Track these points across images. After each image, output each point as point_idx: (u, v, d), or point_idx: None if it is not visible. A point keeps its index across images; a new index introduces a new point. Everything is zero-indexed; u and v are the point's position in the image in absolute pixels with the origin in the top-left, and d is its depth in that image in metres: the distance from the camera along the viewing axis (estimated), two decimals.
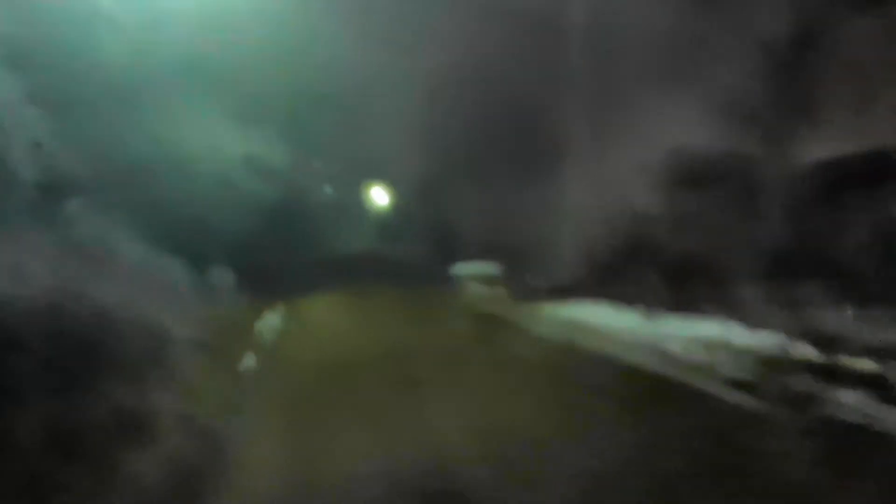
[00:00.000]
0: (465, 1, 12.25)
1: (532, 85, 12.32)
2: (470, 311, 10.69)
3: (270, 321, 9.17)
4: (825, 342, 6.00)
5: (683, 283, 9.34)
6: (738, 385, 5.28)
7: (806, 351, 5.97)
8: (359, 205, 19.58)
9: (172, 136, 11.50)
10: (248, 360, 6.59)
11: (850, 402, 4.66)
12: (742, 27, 9.29)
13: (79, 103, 9.01)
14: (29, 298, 5.27)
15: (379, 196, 20.50)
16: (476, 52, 13.06)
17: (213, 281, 10.63)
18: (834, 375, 5.19)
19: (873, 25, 8.35)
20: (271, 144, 13.80)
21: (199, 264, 10.29)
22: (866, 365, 5.37)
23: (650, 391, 5.39)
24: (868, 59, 8.38)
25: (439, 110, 14.60)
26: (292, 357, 6.97)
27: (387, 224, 20.55)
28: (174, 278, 8.62)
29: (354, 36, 13.77)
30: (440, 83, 14.18)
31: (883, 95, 8.35)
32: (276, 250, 13.76)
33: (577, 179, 11.71)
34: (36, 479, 3.49)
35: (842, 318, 6.70)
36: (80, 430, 4.23)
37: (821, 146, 8.92)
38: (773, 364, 5.75)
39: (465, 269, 17.57)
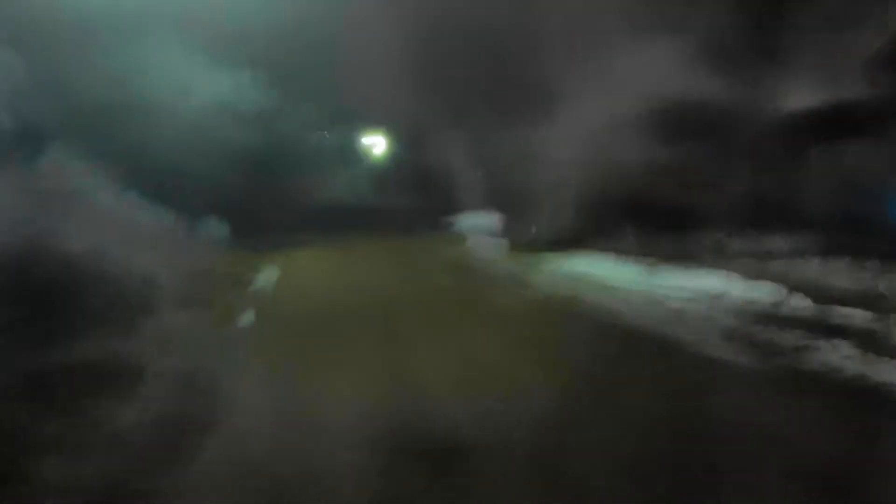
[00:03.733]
0: None
1: (523, 33, 12.40)
2: (470, 264, 10.89)
3: (267, 275, 9.37)
4: (819, 294, 6.20)
5: (682, 235, 9.65)
6: (738, 340, 5.44)
7: (802, 303, 6.18)
8: (351, 153, 19.52)
9: (148, 78, 11.41)
10: (247, 317, 6.79)
11: (842, 355, 4.83)
12: None
13: (46, 45, 8.94)
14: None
15: (372, 144, 20.43)
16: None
17: (207, 232, 10.78)
18: (827, 328, 5.38)
19: None
20: (257, 89, 13.69)
21: (186, 215, 10.39)
22: (859, 317, 5.57)
23: (655, 351, 5.43)
24: (842, 12, 8.57)
25: (434, 57, 14.53)
26: (291, 314, 7.10)
27: (381, 172, 20.52)
28: (164, 229, 8.75)
29: None
30: (435, 28, 14.09)
31: (856, 48, 8.58)
32: (265, 200, 13.82)
33: (573, 128, 11.90)
34: (18, 431, 3.65)
35: (834, 270, 6.95)
36: (62, 381, 4.41)
37: (795, 96, 9.19)
38: (771, 318, 5.96)
39: (463, 220, 17.67)
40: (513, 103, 13.91)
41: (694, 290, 7.30)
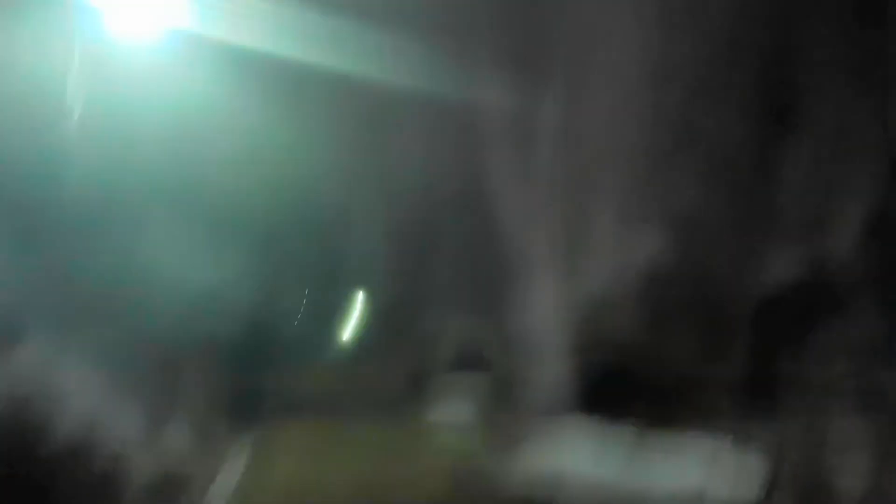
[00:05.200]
0: (434, 118, 13.12)
1: (505, 203, 13.06)
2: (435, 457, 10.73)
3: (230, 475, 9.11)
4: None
5: (665, 420, 9.63)
6: None
7: None
8: (330, 337, 19.66)
9: (137, 265, 11.90)
10: None
11: None
12: (704, 145, 10.21)
13: (34, 231, 9.47)
14: None
15: (351, 324, 20.71)
16: (452, 166, 13.83)
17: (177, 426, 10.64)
18: None
19: (826, 150, 9.30)
20: (240, 273, 14.18)
21: (160, 418, 10.34)
22: None
23: None
24: (824, 182, 9.26)
25: (420, 229, 15.23)
26: None
27: (360, 347, 20.55)
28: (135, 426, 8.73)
29: (342, 147, 14.38)
30: (424, 203, 14.86)
31: (839, 217, 9.16)
32: (243, 388, 13.76)
33: (546, 302, 12.16)
34: None
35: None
36: None
37: (784, 268, 9.61)
38: None
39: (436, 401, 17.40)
40: (494, 277, 14.29)
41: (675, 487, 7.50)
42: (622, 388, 10.05)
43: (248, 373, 13.60)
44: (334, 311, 19.90)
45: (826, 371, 8.87)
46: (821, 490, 6.23)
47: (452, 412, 14.70)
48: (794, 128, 9.91)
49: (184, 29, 11.31)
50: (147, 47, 11.36)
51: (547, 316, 12.28)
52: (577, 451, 9.35)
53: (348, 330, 20.28)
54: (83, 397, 7.56)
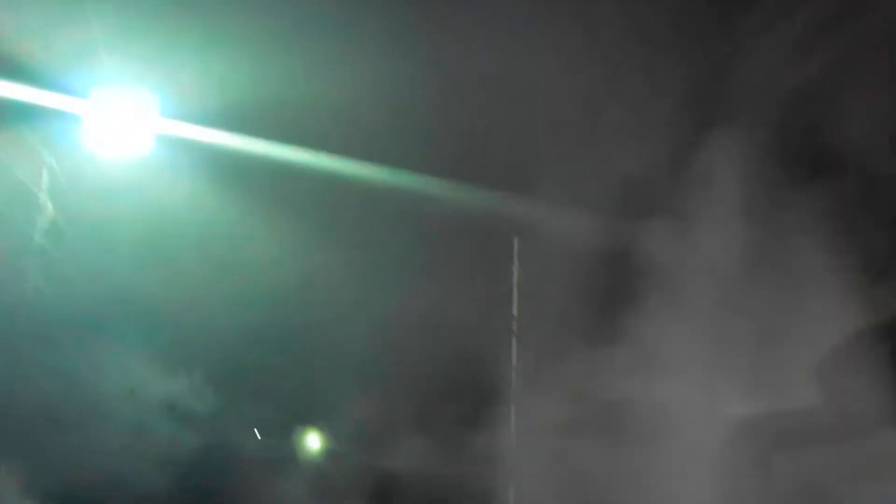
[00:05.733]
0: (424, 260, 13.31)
1: (483, 342, 13.15)
2: None
3: None
4: None
5: None
6: None
7: None
8: (290, 453, 18.88)
9: (88, 378, 11.48)
10: None
11: None
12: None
13: None
14: None
15: (313, 444, 19.92)
16: (432, 303, 13.96)
17: None
18: None
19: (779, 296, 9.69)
20: (198, 388, 13.76)
21: None
22: None
23: None
24: (778, 320, 9.54)
25: (390, 358, 15.04)
26: None
27: (322, 475, 19.61)
28: None
29: (316, 272, 14.43)
30: (396, 331, 14.76)
31: (797, 358, 9.36)
32: None
33: (526, 448, 12.13)
34: None
35: None
36: None
37: (745, 404, 9.72)
38: None
39: None
40: (471, 413, 14.06)
41: None
42: None
43: (208, 495, 12.97)
44: (297, 437, 19.10)
45: None
46: None
47: None
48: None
49: (158, 143, 11.52)
50: (121, 160, 11.52)
51: (519, 443, 12.13)
52: None
53: (311, 455, 19.42)
54: None
